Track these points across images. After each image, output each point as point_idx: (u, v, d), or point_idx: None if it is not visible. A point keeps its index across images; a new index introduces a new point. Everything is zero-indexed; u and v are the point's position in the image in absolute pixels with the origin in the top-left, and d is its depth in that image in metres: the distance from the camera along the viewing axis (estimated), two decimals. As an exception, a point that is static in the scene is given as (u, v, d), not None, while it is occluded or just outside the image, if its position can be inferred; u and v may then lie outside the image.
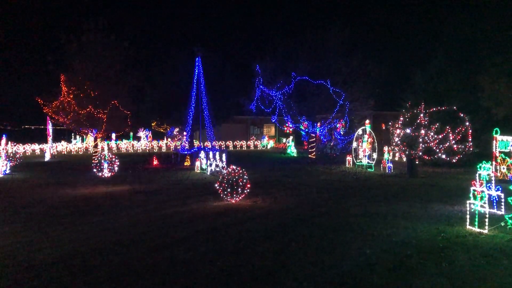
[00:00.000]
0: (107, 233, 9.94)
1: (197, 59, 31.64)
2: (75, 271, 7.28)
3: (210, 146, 32.89)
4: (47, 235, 9.87)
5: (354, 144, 26.15)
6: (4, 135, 27.60)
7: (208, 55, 37.57)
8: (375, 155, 24.53)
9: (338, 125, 35.45)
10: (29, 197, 15.48)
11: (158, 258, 7.92)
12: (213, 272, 7.14)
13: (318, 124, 34.67)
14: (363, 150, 25.18)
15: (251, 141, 50.76)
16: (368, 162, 24.67)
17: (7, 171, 23.65)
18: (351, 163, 26.60)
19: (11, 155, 28.29)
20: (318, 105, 30.10)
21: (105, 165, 21.76)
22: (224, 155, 21.66)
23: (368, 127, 25.18)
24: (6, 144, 28.85)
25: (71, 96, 27.37)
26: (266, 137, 52.83)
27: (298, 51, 30.45)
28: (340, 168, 25.30)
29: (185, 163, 27.92)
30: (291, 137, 41.18)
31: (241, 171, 13.98)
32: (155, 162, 28.67)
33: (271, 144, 50.72)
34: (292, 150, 38.75)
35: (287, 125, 48.48)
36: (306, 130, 36.18)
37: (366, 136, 25.03)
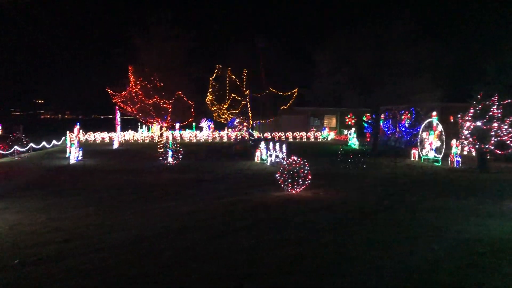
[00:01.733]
0: (172, 219, 10.26)
1: (258, 49, 31.72)
2: (142, 253, 7.57)
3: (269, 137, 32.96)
4: (116, 218, 10.35)
5: (422, 137, 25.14)
6: (77, 124, 29.19)
7: (269, 45, 37.52)
8: (442, 149, 23.45)
9: (403, 117, 34.25)
10: (100, 182, 16.31)
11: (221, 245, 8.06)
12: (276, 261, 7.15)
13: (382, 115, 33.71)
14: (430, 143, 24.15)
15: (311, 133, 50.26)
16: (435, 156, 23.63)
17: (80, 158, 25.04)
18: (416, 156, 25.62)
19: (83, 142, 29.92)
20: (382, 96, 29.10)
21: (170, 153, 22.47)
22: (284, 146, 21.62)
23: (435, 119, 24.09)
24: (79, 132, 30.52)
25: (138, 87, 28.45)
26: (326, 128, 52.06)
27: (361, 40, 29.54)
28: (405, 161, 24.44)
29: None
30: (353, 129, 40.30)
31: (302, 162, 13.89)
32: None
33: (332, 135, 49.95)
34: (354, 142, 37.94)
35: (349, 116, 47.62)
36: (369, 121, 35.28)
37: (433, 129, 23.97)
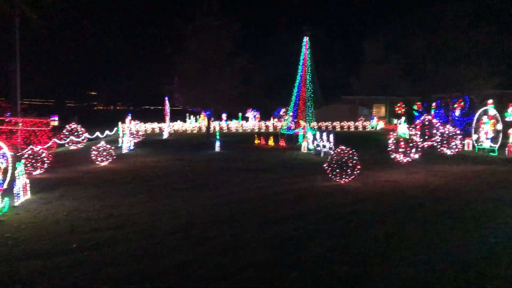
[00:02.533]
0: (221, 207, 10.41)
1: (304, 38, 31.33)
2: (192, 241, 7.74)
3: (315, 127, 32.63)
4: (167, 206, 10.63)
5: (476, 126, 24.05)
6: (129, 114, 30.13)
7: (317, 34, 37.02)
8: (499, 138, 22.35)
9: (456, 105, 32.89)
10: (151, 171, 16.79)
11: (268, 234, 8.09)
12: (324, 251, 7.10)
13: (433, 104, 32.50)
14: (485, 133, 23.08)
15: (359, 122, 49.39)
16: (490, 146, 22.58)
17: (131, 148, 25.88)
18: (470, 146, 24.58)
19: (134, 133, 30.88)
20: (434, 84, 28.05)
21: (218, 143, 22.77)
22: (331, 136, 21.36)
23: (491, 108, 22.96)
24: (130, 122, 31.50)
25: (186, 78, 28.96)
26: (375, 117, 51.00)
27: (412, 26, 28.51)
28: (459, 151, 23.50)
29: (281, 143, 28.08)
30: (403, 118, 39.16)
31: (350, 151, 13.66)
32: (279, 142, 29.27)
33: (380, 125, 48.87)
34: (403, 132, 36.92)
35: (398, 105, 46.33)
36: (420, 110, 34.14)
37: (488, 118, 22.86)
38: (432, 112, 34.59)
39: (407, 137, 33.73)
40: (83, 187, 13.34)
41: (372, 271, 6.21)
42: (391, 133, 20.78)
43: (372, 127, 48.22)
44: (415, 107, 37.15)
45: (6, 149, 10.47)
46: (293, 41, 36.26)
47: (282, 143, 27.43)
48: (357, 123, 48.60)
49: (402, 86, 29.12)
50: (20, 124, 19.34)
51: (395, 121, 46.94)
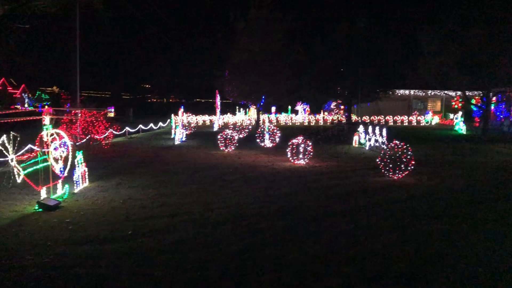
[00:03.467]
0: (270, 200, 10.41)
1: (358, 29, 30.68)
2: (242, 231, 7.79)
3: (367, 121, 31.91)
4: (218, 197, 10.77)
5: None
6: (181, 107, 30.79)
7: (370, 25, 36.09)
8: None
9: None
10: (202, 162, 17.08)
11: (320, 227, 8.01)
12: (377, 247, 6.94)
13: (494, 98, 30.89)
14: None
15: (413, 116, 47.86)
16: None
17: (183, 139, 26.46)
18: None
19: (186, 125, 31.57)
20: (495, 77, 26.55)
21: (267, 136, 22.81)
22: (384, 130, 20.84)
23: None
24: (182, 115, 32.20)
25: (238, 70, 29.16)
26: (430, 112, 49.23)
27: (473, 16, 27.03)
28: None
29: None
30: (460, 113, 37.54)
31: (404, 146, 13.26)
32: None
33: (436, 120, 47.13)
34: (460, 127, 35.40)
35: (455, 99, 44.41)
36: (479, 105, 32.56)
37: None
38: (493, 107, 32.92)
39: (464, 132, 32.30)
40: (138, 176, 13.78)
41: (428, 270, 6.00)
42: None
43: (427, 122, 46.61)
44: (473, 101, 35.53)
45: (66, 139, 10.97)
46: (346, 33, 35.50)
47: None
48: (410, 118, 47.14)
49: (459, 79, 27.71)
50: (79, 115, 20.23)
51: (451, 116, 45.12)
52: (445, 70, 27.38)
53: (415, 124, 46.05)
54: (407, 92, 50.73)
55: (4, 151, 9.12)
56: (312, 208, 9.52)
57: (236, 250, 6.77)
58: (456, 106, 44.43)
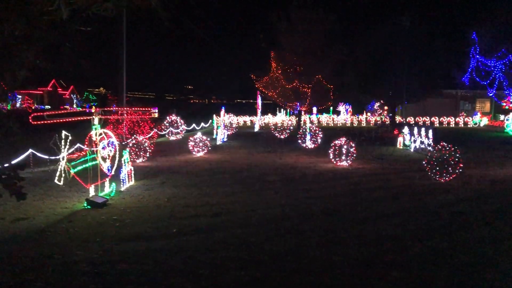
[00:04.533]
0: (313, 201, 10.31)
1: (403, 28, 29.95)
2: (285, 232, 7.75)
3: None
4: (260, 197, 10.77)
5: None
6: (223, 107, 31.07)
7: (416, 23, 35.10)
8: None
9: None
10: (243, 162, 17.15)
11: (364, 230, 7.85)
12: (424, 251, 6.72)
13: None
14: None
15: (461, 118, 46.21)
16: None
17: (225, 139, 26.69)
18: None
19: (228, 125, 31.85)
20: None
21: (308, 137, 22.65)
22: (430, 132, 20.21)
23: None
24: (224, 115, 32.48)
25: (279, 72, 29.13)
26: (478, 113, 47.39)
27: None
28: None
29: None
30: (511, 114, 35.90)
31: (452, 148, 12.80)
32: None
33: (484, 121, 45.32)
34: (511, 129, 33.88)
35: (506, 100, 42.50)
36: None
37: None
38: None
39: (517, 134, 30.89)
40: (182, 175, 14.01)
41: (479, 277, 5.75)
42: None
43: (475, 123, 44.92)
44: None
45: (114, 138, 11.30)
46: (391, 31, 34.71)
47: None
48: (458, 119, 45.57)
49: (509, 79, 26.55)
50: (125, 115, 20.80)
51: (501, 117, 43.24)
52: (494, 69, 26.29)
53: (462, 125, 44.46)
54: (454, 92, 49.07)
55: (56, 150, 9.48)
56: (356, 211, 9.36)
57: (279, 251, 6.74)
58: (507, 107, 42.53)
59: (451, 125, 44.48)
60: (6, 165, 3.64)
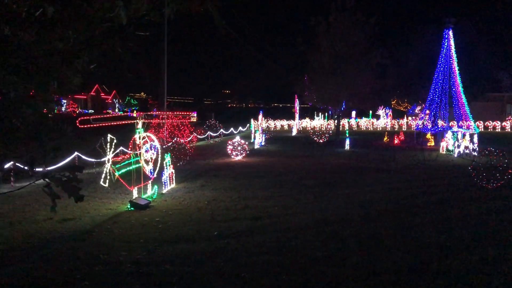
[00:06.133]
0: (354, 206, 10.17)
1: (445, 31, 29.09)
2: (326, 237, 7.67)
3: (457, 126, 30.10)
4: (299, 201, 10.72)
5: None
6: (261, 111, 31.19)
7: (460, 25, 34.11)
8: None
9: None
10: (281, 166, 17.13)
11: (408, 237, 7.66)
12: (472, 260, 6.48)
13: None
14: None
15: (507, 122, 44.40)
16: None
17: (263, 143, 26.76)
18: None
19: (266, 129, 31.93)
20: None
21: (347, 141, 22.39)
22: (475, 137, 19.54)
23: None
24: (262, 120, 32.58)
25: (318, 75, 28.93)
26: (527, 117, 45.38)
27: None
28: None
29: (428, 144, 26.39)
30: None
31: (500, 153, 12.32)
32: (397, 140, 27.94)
33: (534, 125, 43.36)
34: None
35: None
36: None
37: None
38: None
39: None
40: (221, 178, 14.14)
41: (532, 289, 5.50)
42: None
43: (523, 128, 43.04)
44: None
45: (156, 142, 11.54)
46: (433, 34, 33.91)
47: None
48: (504, 123, 43.80)
49: None
50: (166, 119, 21.19)
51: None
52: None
53: (510, 130, 42.71)
54: (501, 95, 47.23)
55: (102, 153, 9.78)
56: (397, 217, 9.15)
57: (321, 256, 6.67)
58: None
59: (497, 130, 42.80)
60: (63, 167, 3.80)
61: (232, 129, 35.08)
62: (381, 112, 52.64)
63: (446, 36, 28.03)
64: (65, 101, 76.53)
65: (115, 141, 9.76)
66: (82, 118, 10.46)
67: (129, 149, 10.73)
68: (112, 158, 10.03)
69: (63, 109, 73.73)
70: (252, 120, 32.69)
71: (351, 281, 5.70)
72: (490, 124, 44.22)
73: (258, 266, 6.24)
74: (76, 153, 14.74)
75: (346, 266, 6.23)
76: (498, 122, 44.37)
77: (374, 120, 49.51)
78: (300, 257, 6.65)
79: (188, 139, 22.24)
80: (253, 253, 6.80)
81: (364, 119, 50.50)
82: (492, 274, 5.94)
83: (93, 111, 78.29)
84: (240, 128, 37.82)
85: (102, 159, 10.19)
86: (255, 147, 25.04)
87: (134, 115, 10.88)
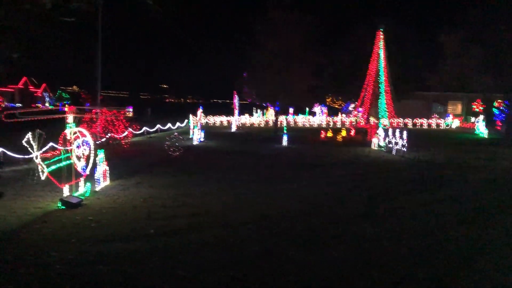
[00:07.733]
0: (291, 201, 10.35)
1: (377, 31, 30.41)
2: (264, 232, 7.75)
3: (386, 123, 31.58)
4: (238, 197, 10.74)
5: None
6: (200, 107, 30.81)
7: (390, 27, 35.72)
8: None
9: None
10: (220, 163, 17.07)
11: (341, 230, 7.92)
12: (401, 251, 6.81)
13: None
14: None
15: (433, 119, 47.16)
16: None
17: (202, 139, 26.51)
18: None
19: (204, 125, 31.66)
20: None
21: (285, 137, 22.74)
22: (405, 133, 20.55)
23: None
24: (201, 115, 32.27)
25: (257, 72, 29.12)
26: (450, 115, 48.47)
27: (496, 17, 26.41)
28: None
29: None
30: (481, 116, 36.85)
31: (427, 150, 13.03)
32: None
33: (456, 123, 46.38)
34: (482, 131, 34.76)
35: (476, 102, 43.69)
36: (501, 108, 31.96)
37: None
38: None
39: (486, 136, 31.76)
40: (158, 175, 13.83)
41: (456, 275, 5.86)
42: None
43: (447, 125, 45.92)
44: (495, 104, 34.88)
45: (89, 137, 11.05)
46: (365, 35, 35.25)
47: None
48: (430, 121, 46.49)
49: (481, 82, 27.22)
50: (100, 114, 20.40)
51: (472, 119, 44.40)
52: (466, 72, 26.93)
53: (435, 127, 45.41)
54: (427, 94, 50.07)
55: (29, 149, 9.21)
56: (332, 211, 9.46)
57: (259, 251, 6.73)
58: (477, 109, 43.70)
59: (423, 127, 45.33)
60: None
61: (169, 124, 34.44)
62: (317, 109, 53.97)
63: (378, 36, 29.26)
64: (-11, 93, 71.60)
65: (44, 136, 9.23)
66: (7, 112, 9.81)
67: (59, 144, 10.18)
68: (41, 154, 9.49)
69: (-15, 102, 68.89)
70: (190, 115, 32.26)
71: (290, 275, 5.79)
72: (417, 121, 46.72)
73: (195, 263, 6.17)
74: (1, 148, 13.82)
75: (284, 261, 6.32)
76: (424, 119, 46.97)
77: (310, 117, 50.66)
78: (237, 253, 6.66)
79: (123, 134, 21.57)
80: (190, 250, 6.72)
81: (301, 116, 51.54)
82: (419, 264, 6.27)
83: (21, 104, 73.84)
84: (178, 123, 37.22)
85: (30, 156, 9.59)
86: (194, 143, 24.75)
87: (66, 109, 10.34)
